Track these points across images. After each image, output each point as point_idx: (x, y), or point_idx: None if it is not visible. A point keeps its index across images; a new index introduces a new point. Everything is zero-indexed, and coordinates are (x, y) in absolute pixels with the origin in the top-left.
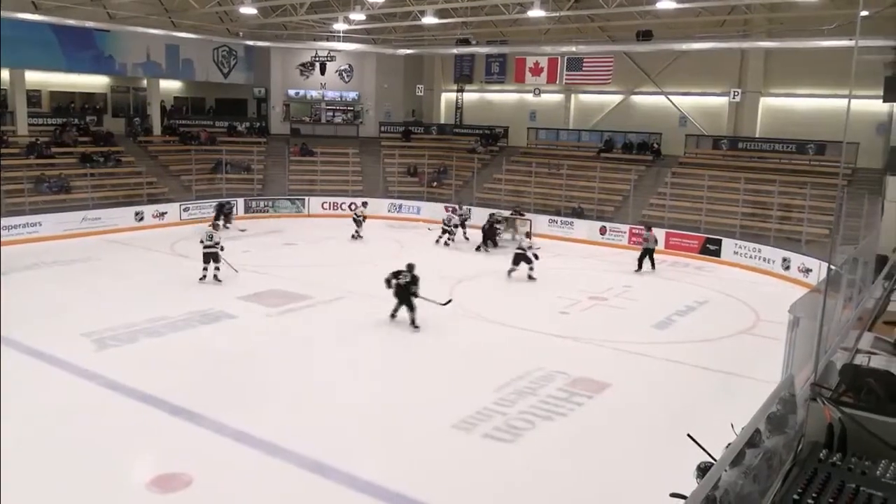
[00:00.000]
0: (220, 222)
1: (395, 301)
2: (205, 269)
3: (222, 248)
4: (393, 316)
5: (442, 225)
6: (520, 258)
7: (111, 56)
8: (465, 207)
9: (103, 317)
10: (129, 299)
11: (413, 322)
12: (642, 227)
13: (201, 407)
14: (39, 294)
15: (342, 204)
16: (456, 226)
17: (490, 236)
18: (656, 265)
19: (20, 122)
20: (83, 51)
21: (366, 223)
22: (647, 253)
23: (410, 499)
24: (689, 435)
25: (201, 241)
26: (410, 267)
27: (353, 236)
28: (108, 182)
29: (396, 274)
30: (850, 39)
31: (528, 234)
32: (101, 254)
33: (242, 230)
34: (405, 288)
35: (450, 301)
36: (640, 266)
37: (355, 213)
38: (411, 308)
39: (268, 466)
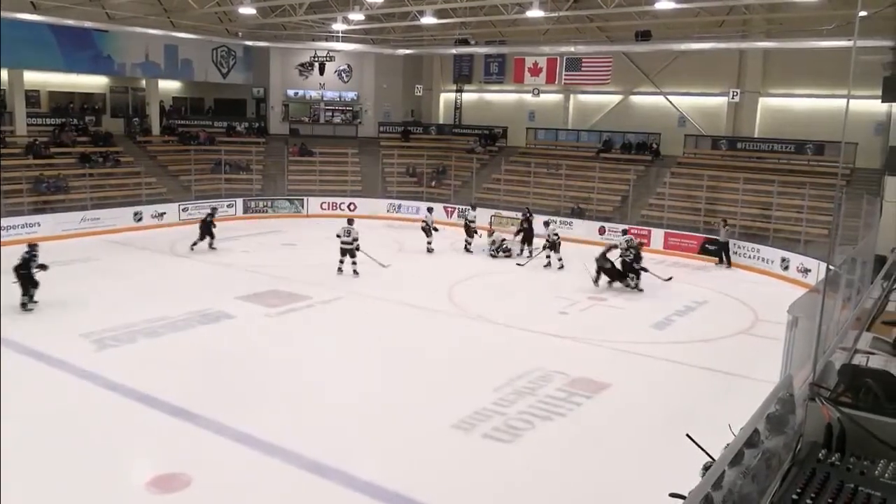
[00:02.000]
0: (202, 241)
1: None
2: (341, 261)
3: (357, 246)
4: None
5: (466, 223)
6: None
7: (110, 56)
8: (475, 211)
9: (102, 317)
10: (128, 300)
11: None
12: (721, 221)
13: (200, 407)
14: (38, 294)
15: (341, 204)
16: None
17: (614, 274)
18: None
19: (19, 122)
20: (82, 51)
21: (437, 233)
22: (724, 247)
23: (409, 499)
24: (688, 435)
25: (337, 236)
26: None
27: (428, 249)
28: (106, 182)
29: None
30: (849, 40)
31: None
32: (99, 254)
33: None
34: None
35: (670, 278)
36: (723, 260)
37: (424, 222)
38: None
39: (267, 466)
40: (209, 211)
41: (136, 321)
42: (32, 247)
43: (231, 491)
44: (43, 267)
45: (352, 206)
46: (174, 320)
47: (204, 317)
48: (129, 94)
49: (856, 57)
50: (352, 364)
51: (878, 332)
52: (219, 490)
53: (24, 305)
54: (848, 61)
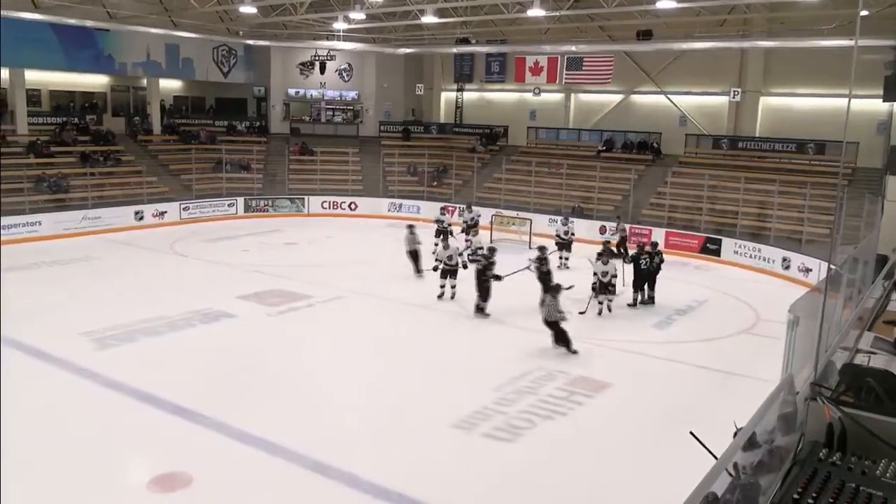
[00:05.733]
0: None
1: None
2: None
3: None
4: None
5: (464, 224)
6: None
7: (111, 55)
8: (473, 209)
9: (103, 316)
10: (128, 299)
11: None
12: (616, 219)
13: (201, 406)
14: (39, 293)
15: (342, 203)
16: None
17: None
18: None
19: (20, 121)
20: (83, 50)
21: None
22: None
23: (411, 498)
24: (691, 433)
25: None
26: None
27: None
28: (107, 181)
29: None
30: (850, 39)
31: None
32: (100, 253)
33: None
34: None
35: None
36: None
37: (440, 223)
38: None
39: (268, 466)
40: (470, 216)
41: (136, 320)
42: (492, 251)
43: (233, 490)
44: (497, 278)
45: (353, 206)
46: (175, 319)
47: (205, 316)
48: (131, 93)
49: (857, 56)
50: (353, 363)
51: (879, 332)
52: (220, 489)
53: (481, 311)
54: (849, 60)
